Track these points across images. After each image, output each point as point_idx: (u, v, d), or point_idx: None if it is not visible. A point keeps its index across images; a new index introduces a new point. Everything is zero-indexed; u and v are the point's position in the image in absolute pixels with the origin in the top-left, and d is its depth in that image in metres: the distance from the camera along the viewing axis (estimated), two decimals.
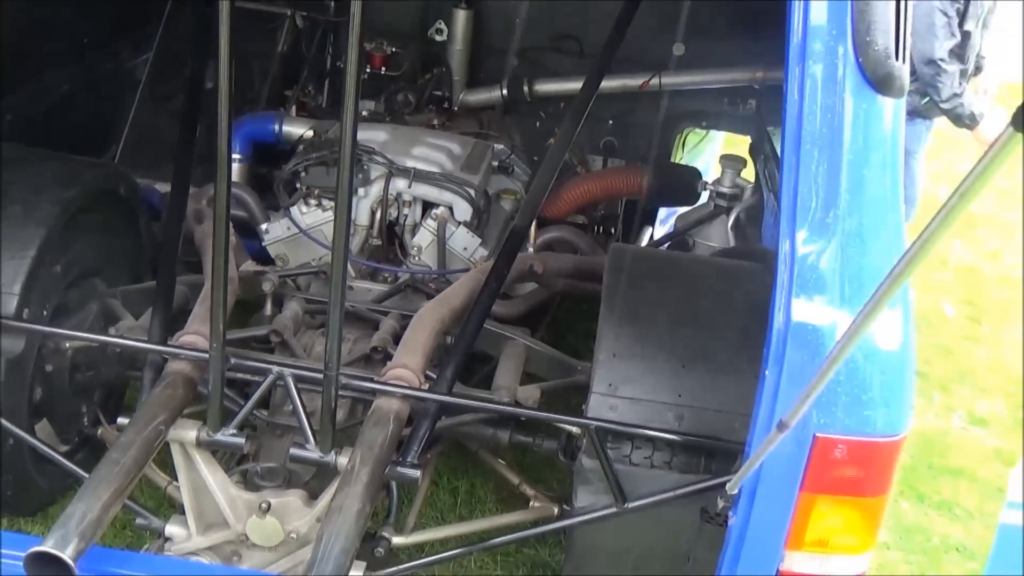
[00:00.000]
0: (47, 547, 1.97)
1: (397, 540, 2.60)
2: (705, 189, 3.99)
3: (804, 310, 1.91)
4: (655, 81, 4.04)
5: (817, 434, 1.92)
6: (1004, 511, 0.70)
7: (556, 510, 2.74)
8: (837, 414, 1.91)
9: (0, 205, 2.64)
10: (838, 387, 1.89)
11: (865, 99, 1.98)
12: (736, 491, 2.03)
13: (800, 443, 1.92)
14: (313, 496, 2.49)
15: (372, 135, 3.72)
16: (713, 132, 4.83)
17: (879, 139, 1.99)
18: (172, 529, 2.50)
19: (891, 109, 2.00)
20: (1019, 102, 1.15)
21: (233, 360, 2.45)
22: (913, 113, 4.89)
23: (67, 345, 2.77)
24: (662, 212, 4.52)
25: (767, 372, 1.94)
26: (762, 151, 3.75)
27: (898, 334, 1.95)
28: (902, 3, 1.99)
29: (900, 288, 1.52)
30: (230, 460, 2.57)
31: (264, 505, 2.44)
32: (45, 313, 2.66)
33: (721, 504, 2.11)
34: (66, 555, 1.97)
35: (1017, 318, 5.94)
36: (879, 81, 1.97)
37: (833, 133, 1.97)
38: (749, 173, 3.93)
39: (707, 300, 2.58)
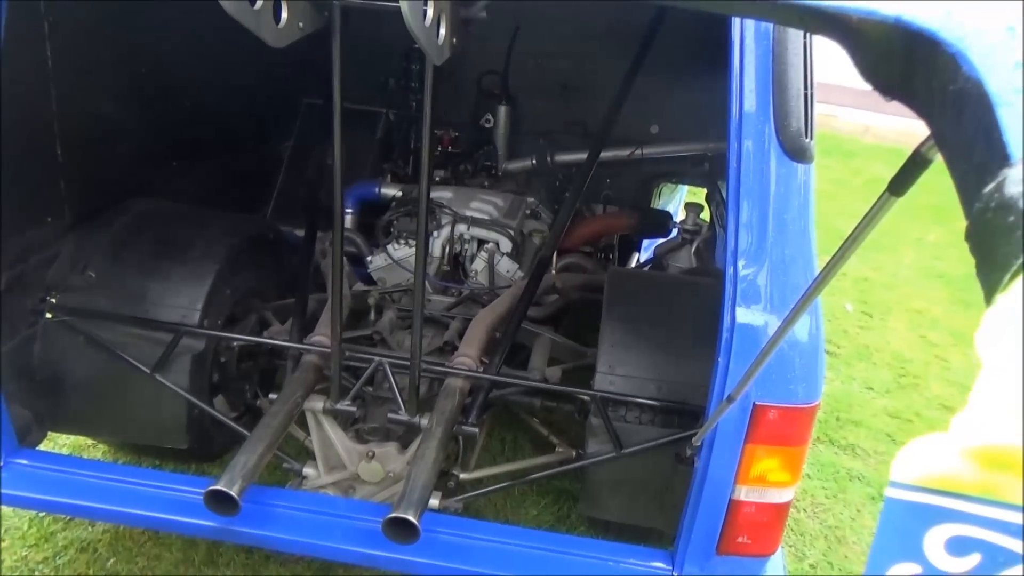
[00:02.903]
0: (219, 486, 1.98)
1: (463, 476, 2.58)
2: (675, 227, 3.93)
3: (745, 315, 1.87)
4: (638, 152, 3.98)
5: (756, 402, 1.87)
6: (888, 488, 0.63)
7: (574, 454, 2.69)
8: (770, 388, 1.87)
9: (191, 247, 2.65)
10: (770, 369, 1.84)
11: (784, 165, 1.92)
12: (699, 443, 1.99)
13: (744, 409, 1.88)
14: (404, 446, 2.48)
15: (442, 194, 3.70)
16: (680, 186, 4.76)
17: (795, 193, 1.93)
18: (307, 471, 2.50)
19: (803, 172, 1.94)
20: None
21: (348, 352, 2.44)
22: None
23: (234, 344, 2.78)
24: (645, 243, 4.47)
25: (719, 358, 1.89)
26: (714, 200, 3.70)
27: (812, 332, 1.89)
28: (809, 97, 1.95)
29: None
30: (346, 422, 2.55)
31: (370, 453, 2.43)
32: (219, 322, 2.67)
33: (689, 451, 2.07)
34: (233, 492, 1.98)
35: (897, 311, 5.83)
36: (794, 152, 1.91)
37: (762, 189, 1.92)
38: (706, 215, 3.88)
39: (677, 306, 2.54)
